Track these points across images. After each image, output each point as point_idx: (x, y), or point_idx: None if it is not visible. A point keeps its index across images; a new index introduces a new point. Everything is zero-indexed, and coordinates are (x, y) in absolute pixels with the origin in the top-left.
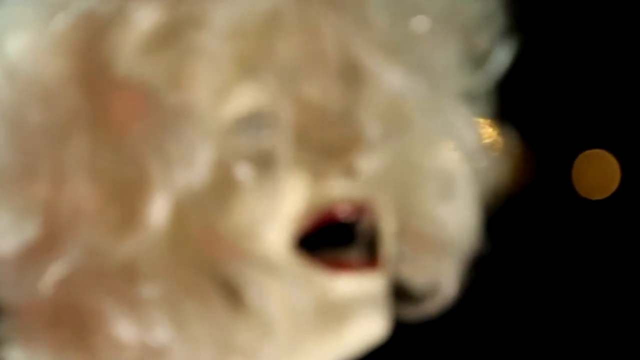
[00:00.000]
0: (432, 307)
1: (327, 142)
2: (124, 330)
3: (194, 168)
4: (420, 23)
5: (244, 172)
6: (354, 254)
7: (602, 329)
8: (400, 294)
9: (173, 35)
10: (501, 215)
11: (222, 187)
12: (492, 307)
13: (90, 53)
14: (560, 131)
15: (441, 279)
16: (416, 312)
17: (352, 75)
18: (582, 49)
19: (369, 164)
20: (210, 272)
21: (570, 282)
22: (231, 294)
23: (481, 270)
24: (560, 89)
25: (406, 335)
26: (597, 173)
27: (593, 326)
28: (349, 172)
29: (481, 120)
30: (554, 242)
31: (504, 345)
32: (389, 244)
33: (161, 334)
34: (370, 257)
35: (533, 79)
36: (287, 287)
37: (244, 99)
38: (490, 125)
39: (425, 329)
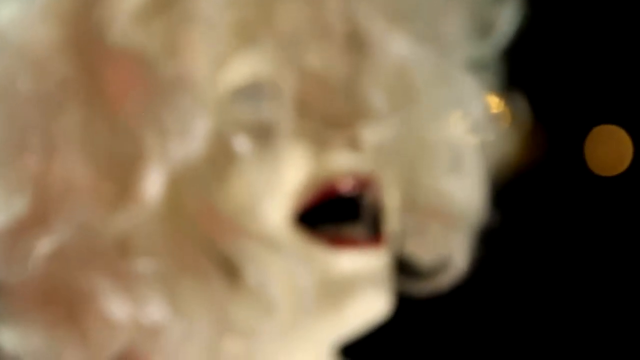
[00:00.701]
0: (441, 282)
1: (330, 113)
2: (117, 308)
3: (191, 140)
4: None
5: (242, 144)
6: (357, 229)
7: (613, 306)
8: (408, 269)
9: (169, 3)
10: (513, 191)
11: (220, 160)
12: (501, 283)
13: (82, 21)
14: (572, 106)
15: (450, 253)
16: (425, 288)
17: (356, 43)
18: (595, 23)
19: (373, 136)
20: (208, 249)
21: (581, 259)
22: (229, 271)
23: (491, 245)
24: (572, 63)
25: (414, 312)
26: (610, 149)
27: (603, 303)
28: (353, 144)
29: (489, 91)
30: (566, 218)
31: (512, 320)
32: (393, 220)
33: (156, 312)
34: (374, 233)
35: (545, 53)
36: (287, 264)
37: (243, 68)
38: (499, 97)
39: (433, 305)
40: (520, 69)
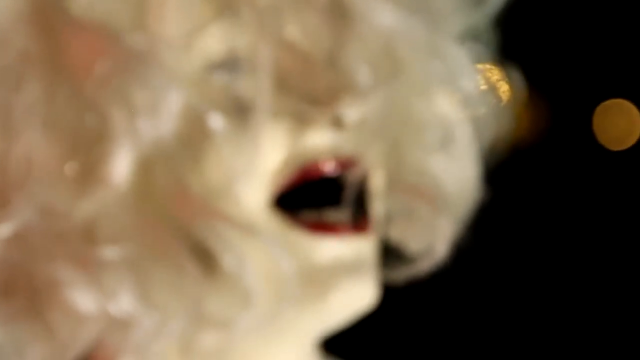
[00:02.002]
0: (422, 267)
1: (311, 89)
2: (84, 299)
3: (162, 118)
4: None
5: (218, 122)
6: (341, 214)
7: (620, 281)
8: (390, 254)
9: None
10: (521, 166)
11: (193, 139)
12: (507, 258)
13: None
14: (581, 80)
15: (435, 238)
16: (406, 273)
17: (339, 14)
18: None
19: (357, 113)
20: (181, 235)
21: (589, 234)
22: (204, 259)
23: (497, 221)
24: (581, 36)
25: (401, 301)
26: (619, 123)
27: (611, 279)
28: (336, 122)
29: (482, 64)
30: (575, 193)
31: (513, 300)
32: (379, 203)
33: (125, 303)
34: (359, 217)
35: (553, 26)
36: (266, 251)
37: (218, 40)
38: (492, 70)
39: (428, 289)
40: (526, 42)
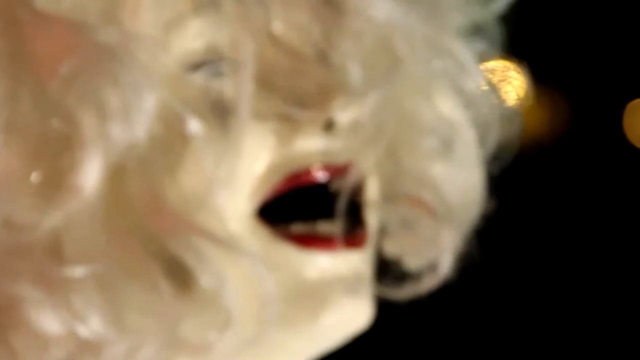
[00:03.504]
0: (423, 287)
1: (300, 89)
2: (50, 320)
3: (135, 121)
4: None
5: (196, 126)
6: (333, 226)
7: None
8: (389, 270)
9: None
10: (548, 166)
11: (170, 144)
12: (531, 260)
13: None
14: (610, 78)
15: (438, 252)
16: (408, 291)
17: (330, 7)
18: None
19: (351, 115)
20: (155, 250)
21: (619, 235)
22: (180, 277)
23: (522, 223)
24: (611, 32)
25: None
26: None
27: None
28: (327, 125)
29: (491, 61)
30: (604, 193)
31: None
32: (375, 214)
33: (95, 324)
34: (353, 230)
35: (583, 24)
36: (249, 268)
37: (198, 36)
38: (502, 68)
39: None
40: (557, 39)
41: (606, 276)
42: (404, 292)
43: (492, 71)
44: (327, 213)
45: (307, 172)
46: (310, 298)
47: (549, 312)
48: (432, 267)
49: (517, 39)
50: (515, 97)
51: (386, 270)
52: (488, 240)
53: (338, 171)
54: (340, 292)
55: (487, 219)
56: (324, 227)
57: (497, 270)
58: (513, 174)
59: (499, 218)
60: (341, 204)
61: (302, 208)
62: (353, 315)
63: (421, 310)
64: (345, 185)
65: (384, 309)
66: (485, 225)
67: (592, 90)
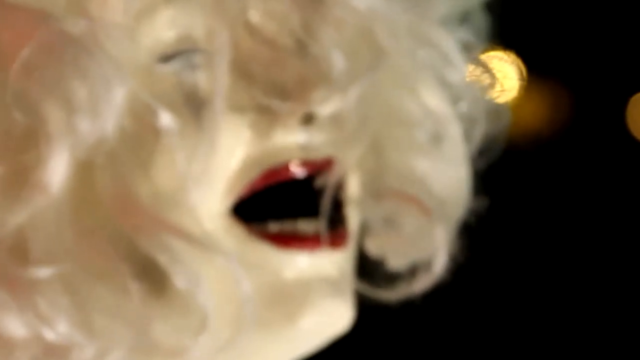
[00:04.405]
0: (414, 288)
1: (278, 81)
2: (14, 323)
3: (104, 115)
4: None
5: (169, 119)
6: (313, 225)
7: None
8: (375, 272)
9: None
10: (555, 158)
11: (140, 139)
12: (532, 254)
13: None
14: (613, 71)
15: (431, 251)
16: (401, 293)
17: None
18: None
19: (332, 108)
20: (125, 249)
21: (621, 230)
22: (152, 278)
23: (523, 218)
24: (615, 25)
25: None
26: None
27: None
28: (307, 118)
29: (482, 52)
30: (607, 188)
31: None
32: (357, 212)
33: (61, 327)
34: (333, 228)
35: (584, 13)
36: (225, 268)
37: (170, 25)
38: (489, 58)
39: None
40: (559, 31)
41: (608, 270)
42: (396, 293)
43: (488, 63)
44: (305, 211)
45: (284, 167)
46: (288, 300)
47: (555, 307)
48: (426, 266)
49: (518, 31)
50: (511, 90)
51: (378, 269)
52: (489, 236)
53: (317, 167)
54: (319, 294)
55: (489, 214)
56: (303, 225)
57: (499, 267)
58: (514, 168)
59: (501, 213)
60: (322, 202)
61: (277, 206)
62: (333, 318)
63: (412, 309)
64: (325, 181)
65: (367, 310)
66: (487, 220)
67: (594, 83)
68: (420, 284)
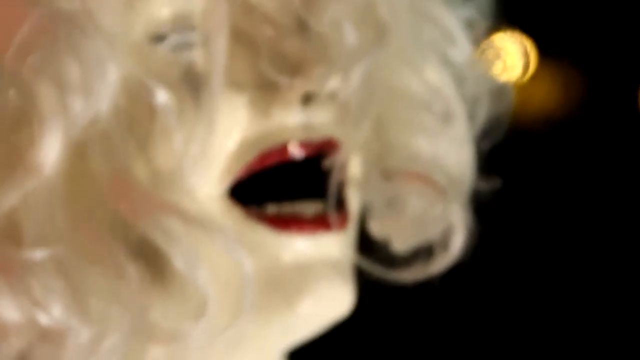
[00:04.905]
0: (437, 266)
1: (277, 58)
2: (7, 307)
3: (98, 94)
4: None
5: (165, 98)
6: (313, 206)
7: None
8: (391, 254)
9: None
10: (563, 141)
11: (136, 119)
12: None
13: None
14: (626, 53)
15: (436, 233)
16: (418, 273)
17: None
18: None
19: (331, 87)
20: (121, 231)
21: (637, 208)
22: (149, 260)
23: (533, 201)
24: (628, 6)
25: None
26: None
27: None
28: (308, 97)
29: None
30: (621, 168)
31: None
32: (357, 194)
33: (56, 311)
34: (335, 210)
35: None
36: (223, 251)
37: (165, 2)
38: (494, 36)
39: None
40: (572, 14)
41: (620, 253)
42: (412, 274)
43: (496, 43)
44: (304, 193)
45: (282, 149)
46: (287, 284)
47: (564, 292)
48: (444, 246)
49: (530, 11)
50: (519, 70)
51: (391, 251)
52: (500, 219)
53: (316, 148)
54: (318, 278)
55: (499, 195)
56: (302, 207)
57: (509, 251)
58: (526, 149)
59: (513, 195)
60: (329, 184)
61: (276, 188)
62: (332, 302)
63: (417, 292)
64: (326, 162)
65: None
66: (498, 202)
67: (607, 64)
68: (438, 265)
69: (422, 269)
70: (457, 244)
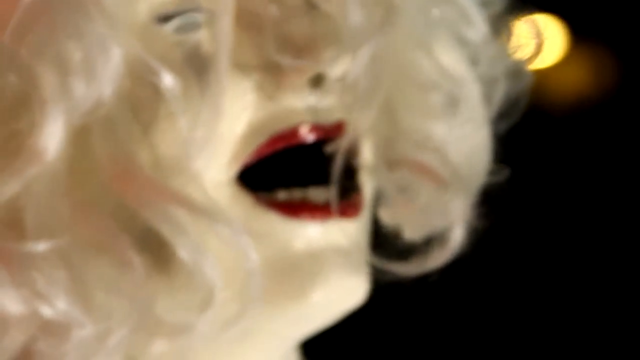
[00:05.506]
0: (433, 261)
1: (285, 39)
2: (9, 299)
3: (101, 77)
4: None
5: (170, 81)
6: (324, 193)
7: None
8: (390, 244)
9: None
10: (597, 124)
11: (140, 103)
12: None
13: None
14: None
15: (446, 223)
16: (412, 269)
17: None
18: None
19: (341, 69)
20: (126, 220)
21: None
22: (154, 250)
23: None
24: None
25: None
26: None
27: None
28: (315, 80)
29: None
30: None
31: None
32: (370, 180)
33: (60, 304)
34: (346, 197)
35: None
36: (231, 239)
37: None
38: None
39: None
40: None
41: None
42: (410, 268)
43: (529, 25)
44: (316, 178)
45: (292, 132)
46: (298, 272)
47: (590, 284)
48: (442, 240)
49: None
50: (554, 54)
51: (392, 243)
52: (531, 202)
53: (327, 132)
54: (331, 266)
55: (530, 181)
56: (314, 194)
57: (539, 235)
58: (558, 133)
59: (544, 180)
60: (333, 169)
61: (286, 174)
62: (345, 291)
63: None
64: (336, 147)
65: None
66: (529, 187)
67: (636, 47)
68: (436, 259)
69: (421, 263)
70: (456, 238)
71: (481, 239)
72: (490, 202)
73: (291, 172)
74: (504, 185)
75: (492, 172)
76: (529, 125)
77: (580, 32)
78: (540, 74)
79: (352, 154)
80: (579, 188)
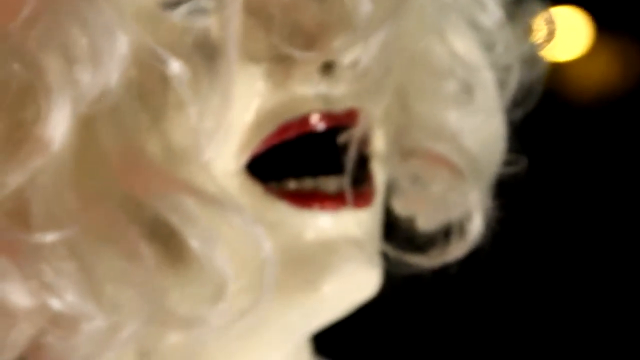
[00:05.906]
0: (450, 253)
1: (294, 26)
2: (17, 293)
3: (107, 65)
4: None
5: (178, 69)
6: (334, 182)
7: None
8: (407, 236)
9: None
10: (622, 117)
11: (148, 91)
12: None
13: None
14: None
15: (462, 212)
16: (428, 260)
17: None
18: None
19: (352, 56)
20: (134, 211)
21: None
22: (164, 241)
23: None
24: None
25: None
26: None
27: None
28: (325, 67)
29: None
30: None
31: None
32: (382, 169)
33: (69, 296)
34: (357, 187)
35: None
36: (242, 230)
37: None
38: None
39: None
40: None
41: None
42: (429, 261)
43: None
44: (327, 168)
45: (302, 120)
46: (309, 263)
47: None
48: (460, 231)
49: None
50: (579, 46)
51: (408, 234)
52: (557, 191)
53: (338, 120)
54: (343, 257)
55: (556, 173)
56: (325, 183)
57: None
58: (585, 127)
59: (568, 173)
60: (344, 158)
61: (297, 164)
62: (358, 283)
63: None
64: (348, 136)
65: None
66: (555, 178)
67: None
68: (455, 251)
69: (439, 256)
70: (475, 229)
71: (499, 232)
72: (511, 193)
73: (302, 161)
74: (533, 176)
75: (511, 163)
76: (556, 118)
77: (605, 25)
78: (566, 66)
79: (363, 142)
80: (607, 180)
